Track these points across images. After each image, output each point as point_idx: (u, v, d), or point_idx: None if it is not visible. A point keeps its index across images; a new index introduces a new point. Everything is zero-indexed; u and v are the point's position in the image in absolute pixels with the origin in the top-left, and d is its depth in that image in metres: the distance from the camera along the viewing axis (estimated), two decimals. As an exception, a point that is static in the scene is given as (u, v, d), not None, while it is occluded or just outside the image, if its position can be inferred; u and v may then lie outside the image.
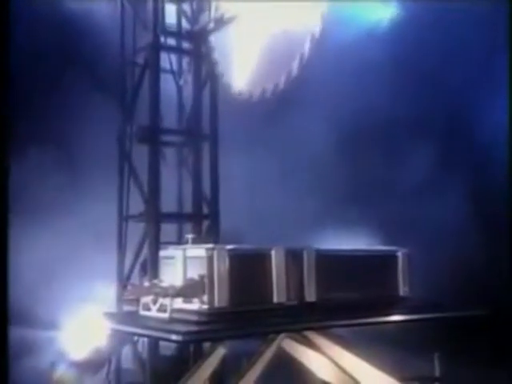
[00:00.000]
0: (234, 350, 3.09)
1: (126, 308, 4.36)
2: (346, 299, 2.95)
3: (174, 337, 2.32)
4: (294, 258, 2.91)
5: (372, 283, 3.04)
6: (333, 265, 2.96)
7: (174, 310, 2.63)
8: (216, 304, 2.65)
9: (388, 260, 3.14)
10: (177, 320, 2.59)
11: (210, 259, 2.69)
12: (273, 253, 2.86)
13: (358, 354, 2.85)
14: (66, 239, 5.22)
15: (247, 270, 2.77)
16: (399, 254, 3.15)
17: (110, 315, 2.98)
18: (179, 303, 2.72)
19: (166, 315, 2.60)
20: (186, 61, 5.34)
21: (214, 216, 5.28)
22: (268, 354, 2.96)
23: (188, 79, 5.21)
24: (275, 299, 2.82)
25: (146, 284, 2.72)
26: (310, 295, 2.90)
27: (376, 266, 3.09)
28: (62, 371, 2.78)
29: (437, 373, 4.04)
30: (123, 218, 5.21)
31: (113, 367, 4.84)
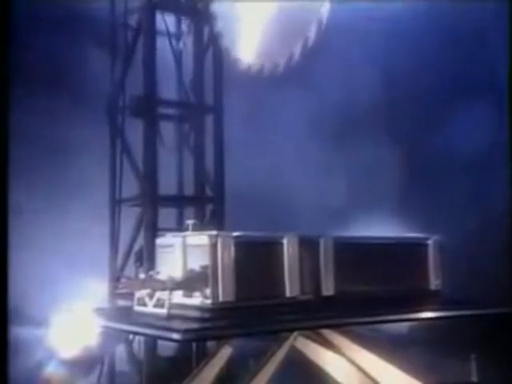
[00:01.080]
0: (242, 349, 3.14)
1: (120, 303, 4.49)
2: (368, 293, 2.95)
3: (172, 335, 2.33)
4: (309, 246, 2.91)
5: (398, 275, 3.03)
6: (353, 254, 2.96)
7: (172, 306, 2.64)
8: (220, 298, 2.66)
9: (417, 249, 3.12)
10: (176, 316, 2.61)
11: (213, 247, 2.69)
12: (285, 240, 2.86)
13: (381, 356, 2.89)
14: (52, 229, 5.26)
15: (256, 260, 2.78)
16: (430, 242, 3.13)
17: (102, 311, 2.99)
18: (179, 297, 2.74)
19: (163, 311, 2.62)
20: (185, 23, 5.30)
21: (219, 199, 5.32)
22: (280, 355, 3.00)
23: (187, 43, 5.18)
24: (288, 293, 2.82)
25: (142, 276, 2.74)
26: (328, 288, 2.91)
27: (403, 256, 3.08)
28: (51, 370, 2.81)
29: (473, 377, 4.03)
30: (116, 202, 5.25)
31: (105, 369, 4.95)
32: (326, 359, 2.96)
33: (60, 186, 5.24)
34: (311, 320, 2.73)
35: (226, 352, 3.11)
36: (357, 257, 2.97)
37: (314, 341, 3.00)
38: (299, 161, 6.06)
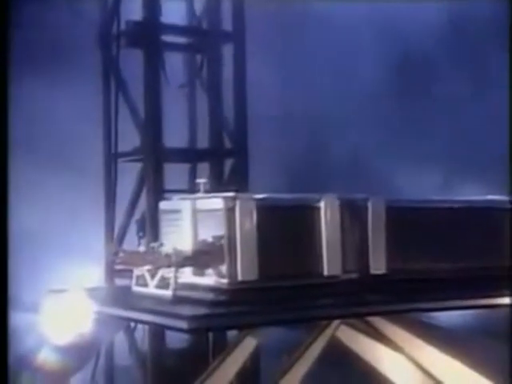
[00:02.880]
0: (269, 341, 3.17)
1: (119, 282, 4.57)
2: (429, 272, 2.92)
3: (177, 323, 2.32)
4: (353, 212, 2.89)
5: (469, 249, 3.00)
6: (411, 222, 2.93)
7: (179, 286, 2.66)
8: (239, 277, 2.67)
9: (495, 216, 3.07)
10: (184, 299, 2.62)
11: (230, 213, 2.69)
12: (322, 204, 2.84)
13: (444, 350, 2.86)
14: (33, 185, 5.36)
15: (285, 229, 2.78)
16: (514, 206, 3.09)
17: (95, 292, 3.04)
18: (187, 276, 2.77)
19: (168, 293, 2.63)
20: None
21: (240, 152, 5.34)
22: (316, 348, 3.03)
23: None
24: (326, 271, 2.82)
25: (142, 249, 2.76)
26: (378, 265, 2.89)
27: (476, 225, 3.04)
28: (44, 356, 3.00)
29: None
30: (111, 157, 5.28)
31: (102, 363, 5.06)
32: (376, 354, 2.98)
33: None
34: (356, 305, 2.70)
35: (249, 344, 3.13)
36: (415, 225, 2.94)
37: (361, 331, 3.01)
38: (344, 108, 6.22)
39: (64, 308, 2.88)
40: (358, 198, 2.93)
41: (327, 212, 2.83)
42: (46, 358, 2.98)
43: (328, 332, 3.01)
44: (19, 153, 4.66)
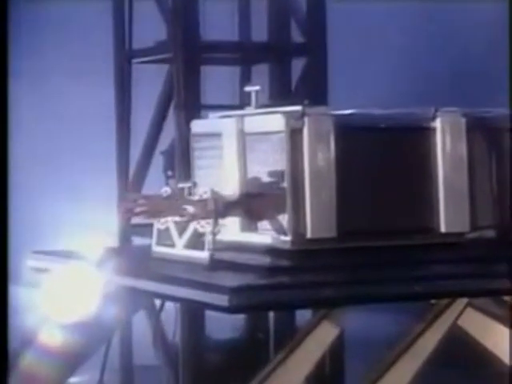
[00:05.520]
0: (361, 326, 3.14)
1: (136, 241, 4.63)
2: None
3: (215, 298, 2.31)
4: (489, 137, 2.92)
5: None
6: None
7: (220, 246, 2.69)
8: (308, 234, 2.69)
9: None
10: (226, 264, 2.65)
11: (296, 138, 2.71)
12: (438, 124, 2.86)
13: None
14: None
15: (379, 163, 2.81)
16: None
17: (103, 256, 3.07)
18: (231, 232, 2.81)
19: (203, 255, 2.66)
20: None
21: (316, 49, 5.23)
22: (431, 339, 3.03)
23: None
24: (443, 227, 2.85)
25: (166, 192, 2.80)
26: (526, 219, 2.91)
27: None
28: (48, 332, 3.20)
29: None
30: (125, 56, 5.29)
31: (114, 360, 5.15)
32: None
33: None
34: (492, 277, 2.66)
35: (327, 331, 3.14)
36: None
37: (496, 318, 3.04)
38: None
39: (62, 279, 2.98)
40: (494, 112, 2.93)
41: (446, 136, 2.85)
42: (49, 336, 3.15)
43: (447, 317, 3.02)
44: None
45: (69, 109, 8.37)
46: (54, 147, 8.40)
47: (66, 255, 3.05)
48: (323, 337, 3.17)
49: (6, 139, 3.44)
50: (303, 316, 3.78)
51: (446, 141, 2.85)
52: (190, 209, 2.71)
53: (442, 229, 2.83)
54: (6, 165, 3.46)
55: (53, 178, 8.19)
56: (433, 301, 3.05)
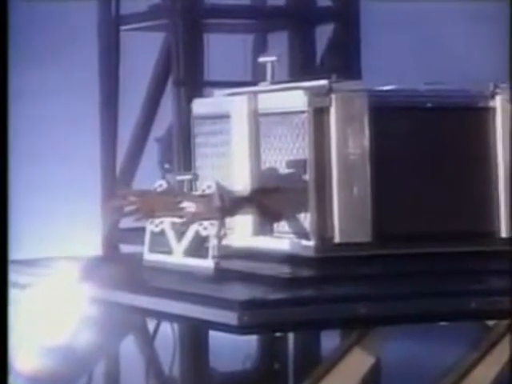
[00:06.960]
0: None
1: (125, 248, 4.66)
2: None
3: (221, 316, 2.33)
4: None
5: None
6: None
7: (227, 252, 2.74)
8: (337, 238, 2.73)
9: None
10: (234, 275, 2.68)
11: (319, 118, 2.74)
12: (498, 102, 2.89)
13: None
14: None
15: (424, 151, 2.85)
16: None
17: (85, 266, 3.14)
18: (242, 235, 2.86)
19: (207, 263, 2.70)
20: None
21: (347, 14, 5.31)
22: (489, 372, 3.02)
23: None
24: (504, 231, 2.89)
25: (162, 186, 2.85)
26: None
27: None
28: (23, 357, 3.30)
29: None
30: (111, 22, 5.35)
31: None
32: None
33: None
34: None
35: (362, 359, 3.09)
36: None
37: None
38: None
39: (38, 296, 3.02)
40: None
41: (508, 118, 2.87)
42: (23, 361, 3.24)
43: (508, 344, 2.98)
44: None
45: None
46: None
47: (46, 265, 3.09)
48: (355, 367, 3.14)
49: (6, 139, 3.51)
50: (330, 341, 3.80)
51: (508, 124, 2.87)
52: (191, 207, 2.74)
53: (503, 233, 2.86)
54: (6, 165, 3.54)
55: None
56: (490, 322, 3.06)
